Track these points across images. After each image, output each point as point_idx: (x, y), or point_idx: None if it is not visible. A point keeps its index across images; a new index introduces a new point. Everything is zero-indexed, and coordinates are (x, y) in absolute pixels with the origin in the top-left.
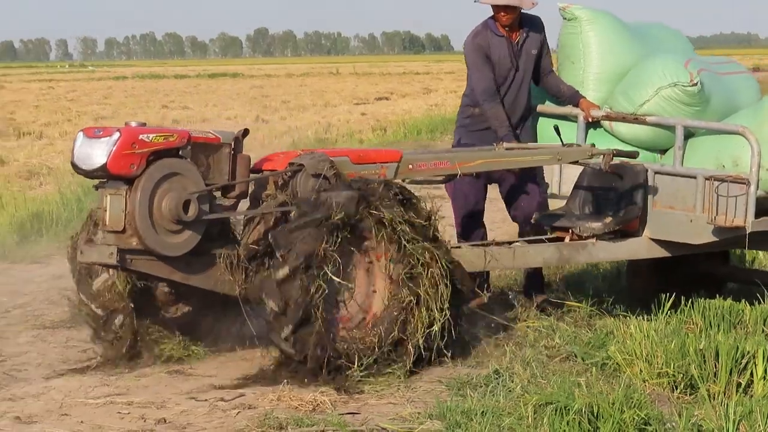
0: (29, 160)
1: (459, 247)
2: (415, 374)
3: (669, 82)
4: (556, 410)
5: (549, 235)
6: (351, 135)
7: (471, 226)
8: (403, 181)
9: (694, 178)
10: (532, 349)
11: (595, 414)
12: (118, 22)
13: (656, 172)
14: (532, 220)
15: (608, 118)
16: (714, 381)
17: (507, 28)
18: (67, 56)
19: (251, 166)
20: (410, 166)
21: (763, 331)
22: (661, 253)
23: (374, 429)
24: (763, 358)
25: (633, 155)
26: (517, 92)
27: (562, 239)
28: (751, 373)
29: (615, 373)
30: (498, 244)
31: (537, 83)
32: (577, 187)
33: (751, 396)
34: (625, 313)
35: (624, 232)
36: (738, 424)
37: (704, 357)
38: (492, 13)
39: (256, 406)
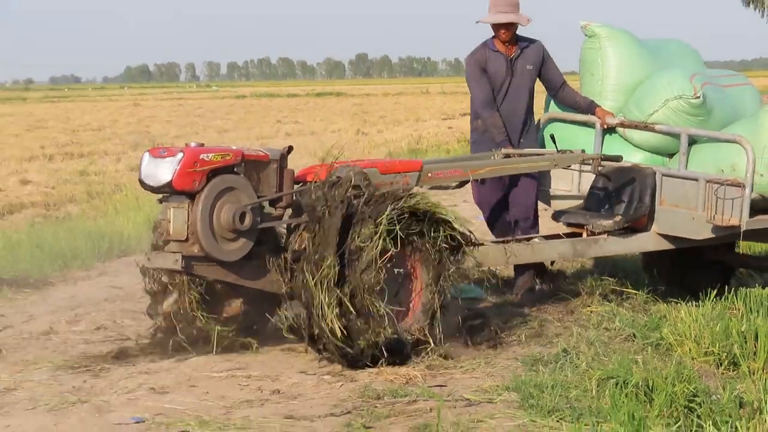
0: None
1: (483, 245)
2: (496, 353)
3: (675, 95)
4: (616, 384)
5: (566, 231)
6: (439, 146)
7: (498, 225)
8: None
9: (696, 180)
10: (596, 331)
11: (650, 387)
12: (238, 48)
13: (663, 175)
14: (551, 217)
15: (622, 125)
16: (754, 359)
17: (505, 45)
18: (195, 78)
19: (294, 177)
20: (429, 175)
21: None
22: (666, 246)
23: (458, 399)
24: None
25: (618, 159)
26: (514, 101)
27: (579, 235)
28: None
29: (667, 351)
30: (518, 240)
31: (554, 98)
32: (593, 186)
33: None
34: (676, 300)
35: (633, 227)
36: None
37: (745, 338)
38: (492, 34)
39: (357, 380)
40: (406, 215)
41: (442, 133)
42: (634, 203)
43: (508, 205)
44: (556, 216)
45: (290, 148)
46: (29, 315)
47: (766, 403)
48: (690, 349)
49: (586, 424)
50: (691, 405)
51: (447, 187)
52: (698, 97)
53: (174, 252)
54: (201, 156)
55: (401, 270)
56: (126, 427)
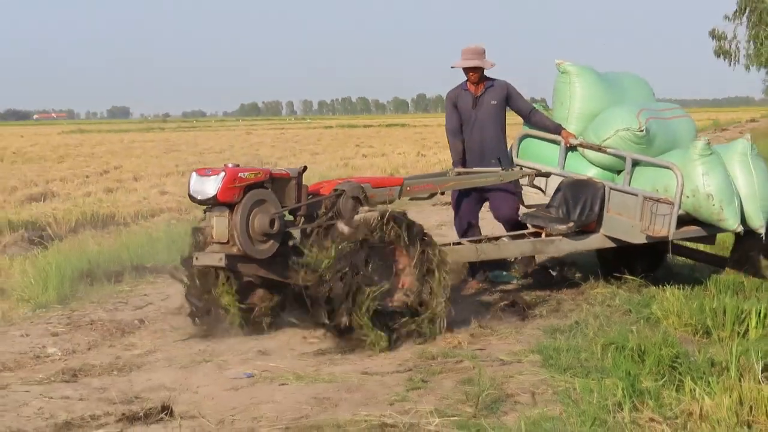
0: None
1: (460, 243)
2: (523, 324)
3: (624, 127)
4: (616, 348)
5: (529, 230)
6: None
7: (467, 229)
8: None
9: (636, 195)
10: (600, 307)
11: (642, 351)
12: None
13: (611, 188)
14: (520, 219)
15: (582, 145)
16: (722, 329)
17: (474, 85)
18: (293, 113)
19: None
20: (408, 188)
21: (756, 296)
22: (610, 245)
23: (494, 360)
24: (756, 314)
25: (547, 174)
26: (482, 130)
27: (539, 234)
28: (747, 325)
29: (656, 323)
30: (489, 239)
31: (527, 123)
32: (555, 194)
33: (747, 339)
34: (663, 284)
35: (585, 230)
36: (738, 358)
37: (716, 313)
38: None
39: (417, 345)
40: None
41: None
42: (586, 211)
43: (477, 214)
44: (523, 218)
45: (305, 168)
46: (166, 294)
47: (731, 363)
48: (673, 322)
49: (593, 379)
50: (674, 364)
51: (422, 199)
52: (642, 131)
53: (217, 252)
54: (239, 174)
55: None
56: (239, 380)
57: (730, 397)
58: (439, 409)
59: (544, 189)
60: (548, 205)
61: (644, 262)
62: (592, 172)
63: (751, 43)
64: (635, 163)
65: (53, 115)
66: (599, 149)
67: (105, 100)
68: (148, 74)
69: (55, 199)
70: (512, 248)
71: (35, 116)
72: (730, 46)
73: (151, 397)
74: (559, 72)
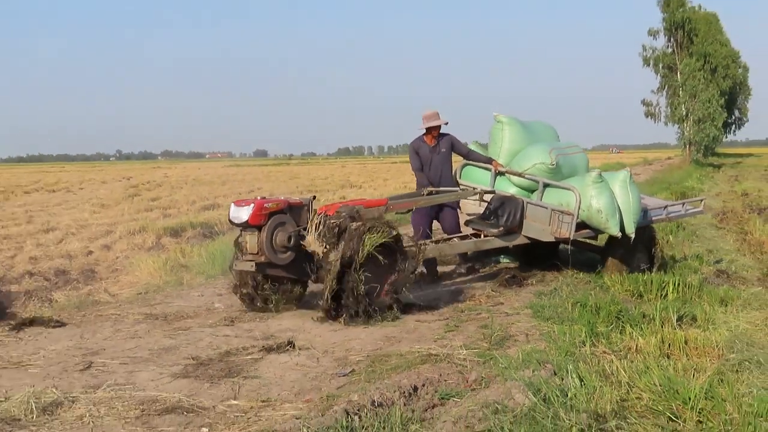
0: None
1: (426, 244)
2: (521, 290)
3: (539, 161)
4: (581, 305)
5: (471, 232)
6: None
7: (424, 237)
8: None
9: (546, 208)
10: (571, 279)
11: (598, 307)
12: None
13: (528, 203)
14: (464, 224)
15: (509, 172)
16: (650, 293)
17: (430, 137)
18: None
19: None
20: (391, 206)
21: (672, 271)
22: (527, 242)
23: (503, 313)
24: (672, 284)
25: (492, 192)
26: (437, 170)
27: (478, 235)
28: (667, 290)
29: (607, 290)
30: (445, 240)
31: (467, 159)
32: (488, 205)
33: (667, 300)
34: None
35: (511, 231)
36: (660, 312)
37: (646, 283)
38: (423, 132)
39: (452, 302)
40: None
41: None
42: (510, 218)
43: (431, 225)
44: (467, 223)
45: (314, 197)
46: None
47: (656, 316)
48: (618, 288)
49: (565, 325)
50: (618, 316)
51: (402, 213)
52: (553, 164)
53: (250, 260)
54: (264, 204)
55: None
56: (337, 325)
57: (656, 337)
58: (465, 345)
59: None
60: (482, 215)
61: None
62: (513, 190)
63: (669, 107)
64: (546, 186)
65: (218, 154)
66: (520, 175)
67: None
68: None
69: (220, 209)
70: (462, 246)
71: (207, 155)
72: (655, 110)
73: (281, 336)
74: (495, 120)
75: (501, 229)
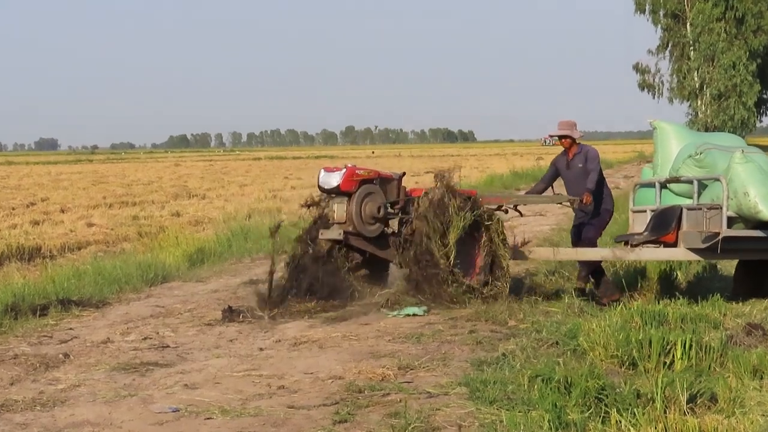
0: (196, 213)
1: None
2: (449, 357)
3: (687, 155)
4: (543, 380)
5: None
6: None
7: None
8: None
9: (701, 209)
10: (527, 339)
11: (569, 383)
12: (256, 121)
13: (685, 208)
14: (614, 240)
15: (667, 181)
16: (648, 361)
17: (567, 149)
18: (222, 144)
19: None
20: (480, 199)
21: (680, 327)
22: (691, 257)
23: (422, 393)
24: (681, 345)
25: (581, 201)
26: (573, 183)
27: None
28: (673, 356)
29: (582, 355)
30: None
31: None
32: (649, 222)
33: (673, 371)
34: (590, 314)
35: (666, 244)
36: (664, 389)
37: (642, 344)
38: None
39: (344, 377)
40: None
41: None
42: (662, 226)
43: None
44: (616, 239)
45: (404, 173)
46: (92, 328)
47: (657, 394)
48: (599, 353)
49: (519, 412)
50: (600, 396)
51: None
52: (699, 154)
53: (335, 230)
54: (356, 171)
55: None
56: (164, 414)
57: (656, 429)
58: None
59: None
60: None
61: None
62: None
63: (674, 76)
64: (700, 186)
65: None
66: (677, 180)
67: (32, 132)
68: (77, 105)
69: None
70: (591, 254)
71: None
72: (653, 80)
73: None
74: (653, 128)
75: (645, 234)
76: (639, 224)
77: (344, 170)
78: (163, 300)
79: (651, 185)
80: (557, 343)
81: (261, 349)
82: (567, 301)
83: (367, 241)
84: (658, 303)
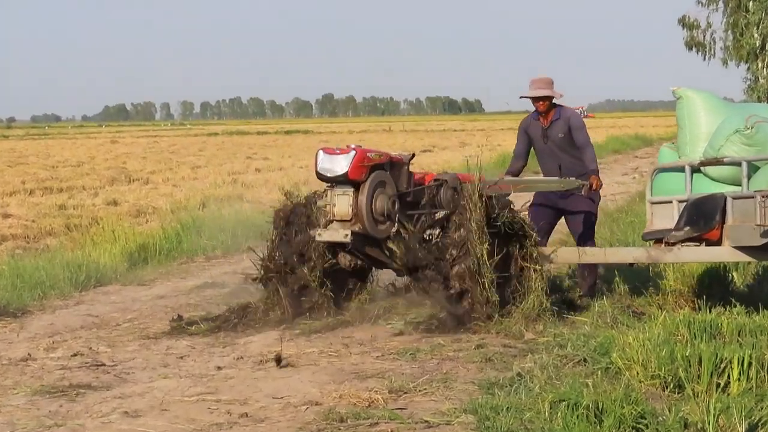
0: (137, 202)
1: (555, 249)
2: (452, 377)
3: (733, 130)
4: (567, 406)
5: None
6: None
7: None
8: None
9: (754, 197)
10: (549, 355)
11: (600, 409)
12: (211, 88)
13: (731, 197)
14: (641, 237)
15: (702, 164)
16: (698, 382)
17: (541, 115)
18: (170, 116)
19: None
20: (488, 187)
21: (738, 341)
22: (737, 257)
23: (418, 422)
24: (738, 363)
25: (580, 186)
26: (550, 157)
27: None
28: (728, 376)
29: (616, 375)
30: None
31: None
32: (681, 214)
33: (728, 394)
34: (625, 325)
35: (709, 241)
36: (717, 417)
37: (690, 362)
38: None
39: (322, 403)
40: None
41: None
42: (705, 220)
43: (551, 229)
44: (644, 236)
45: (413, 155)
46: (8, 342)
47: (709, 424)
48: (638, 373)
49: None
50: (638, 426)
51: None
52: (749, 128)
53: (339, 229)
54: (368, 154)
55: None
56: None
57: None
58: None
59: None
60: (669, 229)
61: None
62: (720, 190)
63: (729, 32)
64: (754, 169)
65: None
66: (717, 162)
67: None
68: None
69: None
70: (623, 254)
71: None
72: (703, 37)
73: None
74: (676, 98)
75: (688, 230)
76: (660, 218)
77: (353, 153)
78: (96, 308)
79: (677, 169)
80: (585, 360)
81: (219, 368)
82: (597, 309)
83: (375, 246)
84: (710, 311)
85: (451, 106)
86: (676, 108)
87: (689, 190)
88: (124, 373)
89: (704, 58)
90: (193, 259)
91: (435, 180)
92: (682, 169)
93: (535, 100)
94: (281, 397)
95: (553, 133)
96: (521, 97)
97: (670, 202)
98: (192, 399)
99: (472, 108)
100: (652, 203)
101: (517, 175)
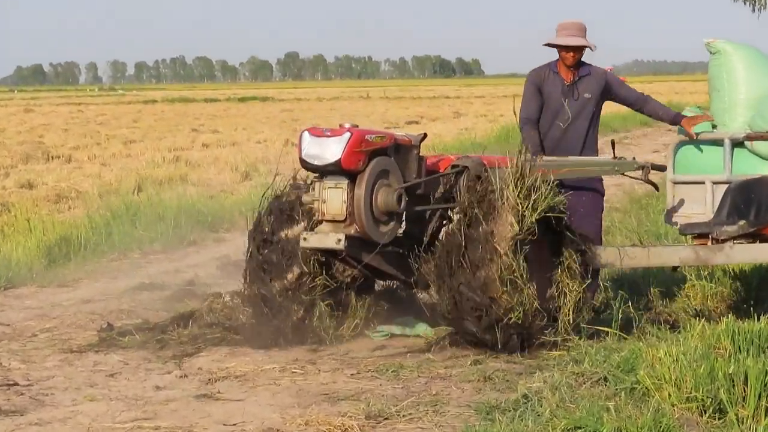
0: (58, 184)
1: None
2: (444, 400)
3: None
4: None
5: (691, 243)
6: None
7: None
8: None
9: None
10: (561, 373)
11: None
12: (148, 46)
13: None
14: (679, 231)
15: (748, 138)
16: (743, 405)
17: (568, 69)
18: (97, 80)
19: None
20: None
21: None
22: None
23: None
24: None
25: (663, 168)
26: (577, 130)
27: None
28: None
29: (644, 397)
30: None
31: (639, 111)
32: (722, 200)
33: None
34: (655, 336)
35: (763, 237)
36: None
37: (733, 381)
38: (557, 57)
39: (285, 431)
40: None
41: None
42: (762, 210)
43: None
44: (683, 230)
45: (425, 135)
46: None
47: None
48: (669, 395)
49: None
50: None
51: None
52: None
53: (329, 232)
54: (366, 137)
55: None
56: None
57: None
58: None
59: (709, 200)
60: (711, 220)
61: None
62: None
63: None
64: None
65: None
66: None
67: None
68: None
69: None
70: (667, 255)
71: None
72: None
73: None
74: (710, 53)
75: (744, 224)
76: (688, 203)
77: (347, 135)
78: (7, 314)
79: (712, 143)
80: (606, 379)
81: (158, 388)
82: (620, 316)
83: (379, 253)
84: (758, 319)
85: (443, 68)
86: (710, 66)
87: (729, 170)
88: (42, 395)
89: (753, 9)
90: (126, 255)
91: (453, 167)
92: (713, 142)
93: (565, 50)
94: (234, 424)
95: (579, 90)
96: (546, 45)
97: (702, 183)
98: (125, 426)
99: (469, 70)
100: (676, 183)
101: (536, 144)
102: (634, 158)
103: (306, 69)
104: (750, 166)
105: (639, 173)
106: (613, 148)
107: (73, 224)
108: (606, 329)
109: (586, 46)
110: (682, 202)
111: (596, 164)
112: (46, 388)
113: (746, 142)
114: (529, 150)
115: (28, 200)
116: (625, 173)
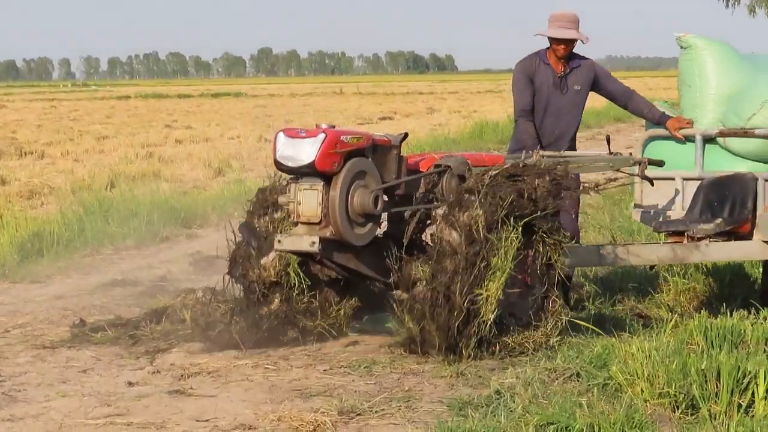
0: (30, 180)
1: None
2: (416, 395)
3: None
4: (557, 430)
5: (666, 241)
6: None
7: None
8: None
9: None
10: (534, 369)
11: None
12: (121, 41)
13: (765, 180)
14: (653, 229)
15: (721, 134)
16: (715, 401)
17: (558, 60)
18: (70, 75)
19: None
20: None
21: (764, 351)
22: None
23: None
24: (765, 378)
25: (660, 164)
26: (558, 117)
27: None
28: (753, 394)
29: (616, 393)
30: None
31: (626, 110)
32: (695, 197)
33: (752, 416)
34: (627, 333)
35: (738, 235)
36: None
37: (706, 377)
38: (547, 46)
39: (256, 427)
40: None
41: None
42: (736, 208)
43: None
44: (657, 227)
45: (406, 135)
46: None
47: None
48: (642, 390)
49: None
50: None
51: None
52: None
53: (304, 234)
54: (341, 138)
55: None
56: None
57: None
58: None
59: (680, 196)
60: (687, 213)
61: None
62: (742, 167)
63: None
64: None
65: None
66: (744, 133)
67: None
68: None
69: None
70: (646, 254)
71: None
72: None
73: None
74: (681, 48)
75: (720, 222)
76: (656, 199)
77: (321, 136)
78: None
79: (681, 140)
80: (578, 375)
81: (130, 384)
82: (592, 311)
83: (355, 255)
84: (731, 315)
85: (416, 64)
86: (681, 61)
87: (700, 166)
88: (14, 391)
89: (726, 5)
90: (98, 251)
91: (435, 166)
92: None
93: (557, 42)
94: (206, 420)
95: (569, 83)
96: (537, 35)
97: (672, 179)
98: (97, 422)
99: (442, 66)
100: (644, 179)
101: (537, 144)
102: (630, 154)
103: (279, 65)
104: (721, 163)
105: (635, 169)
106: (608, 143)
107: (46, 220)
108: (581, 323)
109: (576, 40)
110: (650, 199)
111: (594, 160)
112: (18, 384)
113: (718, 139)
114: (527, 144)
115: (1, 196)
116: (620, 169)
